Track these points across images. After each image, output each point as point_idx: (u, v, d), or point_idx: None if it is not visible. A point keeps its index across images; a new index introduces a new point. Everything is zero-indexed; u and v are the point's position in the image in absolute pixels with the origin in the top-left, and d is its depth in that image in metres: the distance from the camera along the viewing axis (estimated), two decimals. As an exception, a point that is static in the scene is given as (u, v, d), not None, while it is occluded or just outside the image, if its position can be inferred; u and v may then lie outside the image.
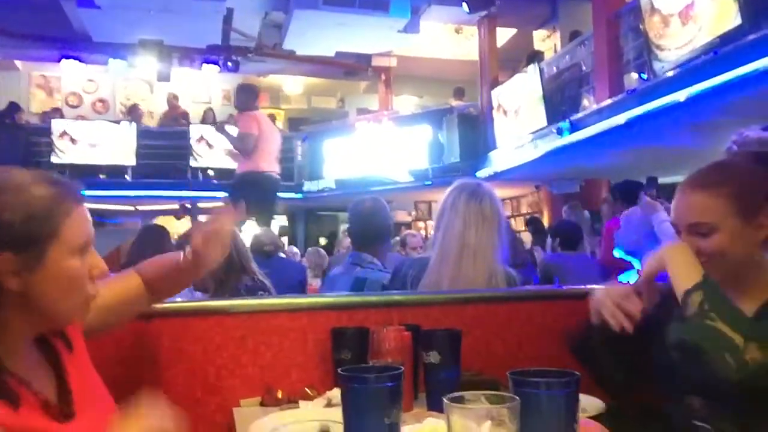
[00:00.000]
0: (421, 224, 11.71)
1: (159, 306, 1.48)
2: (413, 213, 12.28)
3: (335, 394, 1.35)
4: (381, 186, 10.14)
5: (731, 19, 5.18)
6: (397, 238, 5.63)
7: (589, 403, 1.24)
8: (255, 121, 5.81)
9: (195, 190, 10.43)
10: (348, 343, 1.51)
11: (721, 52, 5.24)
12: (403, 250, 5.58)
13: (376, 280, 2.47)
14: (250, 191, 5.51)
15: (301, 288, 4.29)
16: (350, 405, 0.97)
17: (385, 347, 1.41)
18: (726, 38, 5.23)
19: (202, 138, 10.67)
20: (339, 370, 0.99)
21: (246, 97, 6.05)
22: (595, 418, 1.16)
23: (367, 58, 12.22)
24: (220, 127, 6.53)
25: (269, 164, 5.99)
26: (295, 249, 8.55)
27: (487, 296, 1.84)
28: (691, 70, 5.61)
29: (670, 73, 5.92)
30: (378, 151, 10.79)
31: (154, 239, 3.78)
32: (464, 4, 9.06)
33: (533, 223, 8.40)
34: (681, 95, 5.65)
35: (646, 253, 2.21)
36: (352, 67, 12.63)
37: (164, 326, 1.57)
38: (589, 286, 2.02)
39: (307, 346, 1.63)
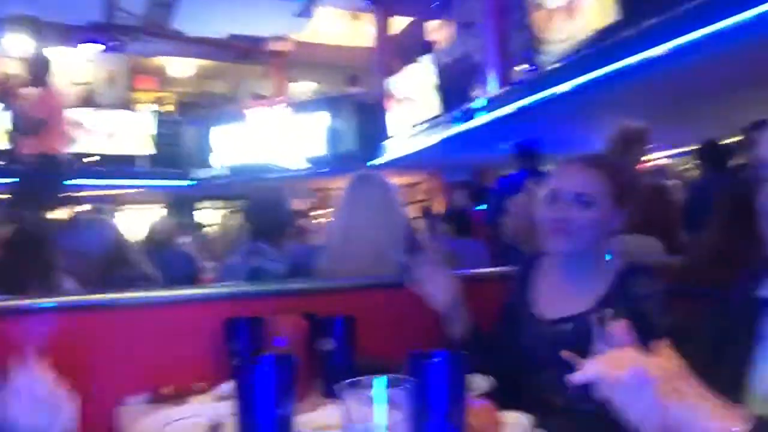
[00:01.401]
0: (317, 212, 11.66)
1: (29, 302, 1.37)
2: (309, 201, 12.20)
3: (228, 387, 1.31)
4: (276, 173, 9.99)
5: (610, 14, 5.51)
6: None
7: (480, 382, 1.28)
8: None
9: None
10: (242, 333, 1.47)
11: (602, 46, 5.57)
12: (300, 239, 5.53)
13: (274, 271, 2.43)
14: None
15: (193, 279, 4.15)
16: (243, 397, 0.94)
17: (279, 336, 1.39)
18: (606, 33, 5.56)
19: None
20: (233, 361, 0.96)
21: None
22: (484, 395, 1.20)
23: (262, 41, 11.96)
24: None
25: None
26: (185, 238, 8.23)
27: (380, 283, 1.85)
28: (573, 63, 5.92)
29: (554, 66, 6.22)
30: (273, 137, 10.61)
31: None
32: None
33: (425, 211, 8.60)
34: (565, 87, 5.95)
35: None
36: (246, 50, 12.31)
37: (40, 324, 1.45)
38: (480, 270, 2.10)
39: (199, 339, 1.57)
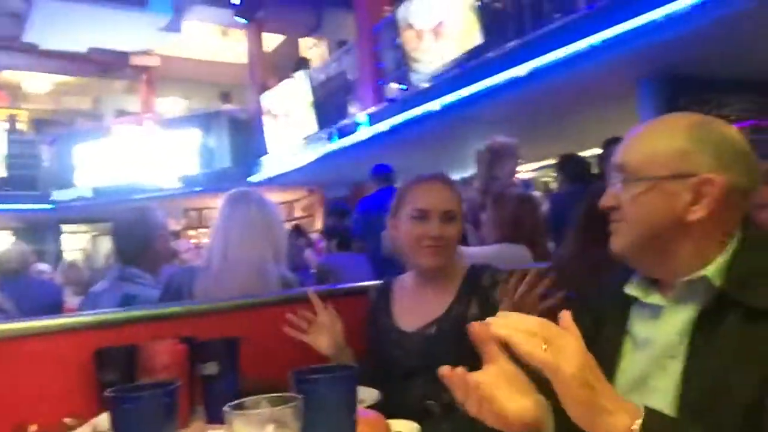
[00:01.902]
0: (192, 232, 11.24)
1: None
2: (183, 221, 11.74)
3: (102, 419, 1.22)
4: (146, 193, 9.52)
5: (475, 37, 5.82)
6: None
7: (367, 394, 1.29)
8: None
9: None
10: (114, 363, 1.38)
11: (467, 66, 5.85)
12: (175, 260, 5.30)
13: (148, 297, 2.28)
14: None
15: (57, 309, 3.83)
16: (120, 428, 0.88)
17: (156, 363, 1.32)
18: (471, 54, 5.86)
19: None
20: (105, 392, 0.90)
21: None
22: (371, 407, 1.21)
23: (125, 56, 11.40)
24: None
25: None
26: (42, 266, 7.58)
27: (264, 301, 1.82)
28: (442, 83, 6.17)
29: (425, 85, 6.46)
30: (141, 155, 10.11)
31: None
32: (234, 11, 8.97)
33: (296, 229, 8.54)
34: (435, 105, 6.19)
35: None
36: (107, 64, 11.67)
37: None
38: (362, 284, 2.11)
39: (67, 371, 1.46)
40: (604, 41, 4.54)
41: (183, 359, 1.35)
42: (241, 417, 0.78)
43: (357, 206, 5.17)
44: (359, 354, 1.63)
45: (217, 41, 11.75)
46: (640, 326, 1.05)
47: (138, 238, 2.47)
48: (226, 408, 0.79)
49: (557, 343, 0.79)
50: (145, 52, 11.30)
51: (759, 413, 0.84)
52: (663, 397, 0.95)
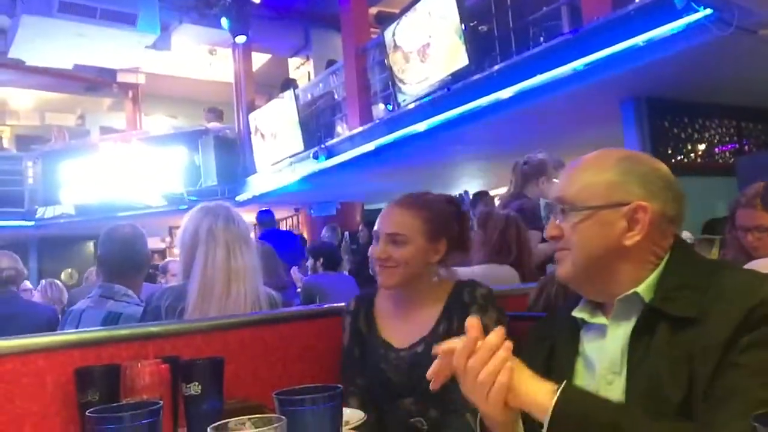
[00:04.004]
0: (176, 251, 11.14)
1: None
2: (168, 239, 11.65)
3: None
4: (131, 211, 9.45)
5: (461, 59, 5.88)
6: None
7: (351, 415, 1.29)
8: None
9: None
10: (95, 383, 1.36)
11: (453, 88, 5.91)
12: (164, 279, 5.25)
13: (133, 315, 2.26)
14: None
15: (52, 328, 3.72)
16: (101, 451, 0.87)
17: (139, 384, 1.31)
18: (457, 76, 5.92)
19: None
20: (86, 413, 0.89)
21: None
22: (357, 428, 1.21)
23: (112, 73, 11.37)
24: None
25: None
26: (28, 284, 7.49)
27: (249, 320, 1.80)
28: (428, 104, 6.23)
29: (411, 106, 6.51)
30: (126, 173, 10.05)
31: None
32: (223, 20, 9.01)
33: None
34: (421, 126, 6.24)
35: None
36: (93, 81, 11.64)
37: None
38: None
39: (46, 392, 1.44)
40: (587, 65, 4.62)
41: (166, 379, 1.34)
42: (224, 438, 0.78)
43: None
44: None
45: (204, 60, 11.77)
46: (588, 347, 1.12)
47: (126, 257, 2.45)
48: (209, 429, 0.79)
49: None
50: (132, 70, 11.29)
51: (689, 407, 0.93)
52: None
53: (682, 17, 3.99)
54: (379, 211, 1.76)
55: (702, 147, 5.65)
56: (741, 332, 0.91)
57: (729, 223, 2.24)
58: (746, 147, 5.86)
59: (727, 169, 5.30)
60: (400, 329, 1.61)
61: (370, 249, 1.65)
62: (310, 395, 0.90)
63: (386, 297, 1.69)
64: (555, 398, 0.91)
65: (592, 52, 4.56)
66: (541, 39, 5.30)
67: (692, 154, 5.56)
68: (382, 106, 7.45)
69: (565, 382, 0.94)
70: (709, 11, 3.83)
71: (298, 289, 4.84)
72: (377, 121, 7.10)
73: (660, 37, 4.15)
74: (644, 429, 0.91)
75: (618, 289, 1.06)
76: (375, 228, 1.64)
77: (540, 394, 0.93)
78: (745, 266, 1.38)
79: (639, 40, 4.26)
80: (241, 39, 9.50)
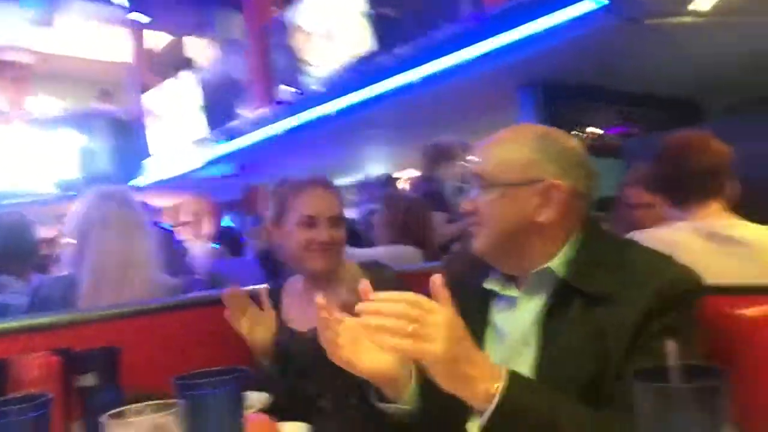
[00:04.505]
0: (67, 238, 10.52)
1: None
2: (59, 227, 10.98)
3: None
4: (15, 198, 8.82)
5: (366, 42, 5.88)
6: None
7: (257, 398, 1.27)
8: None
9: None
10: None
11: (359, 70, 5.91)
12: (56, 269, 4.94)
13: (21, 307, 2.12)
14: None
15: None
16: (-18, 449, 0.81)
17: (27, 378, 1.23)
18: (362, 59, 5.92)
19: None
20: (-35, 412, 0.83)
21: None
22: (263, 410, 1.20)
23: (-8, 50, 10.53)
24: None
25: None
26: None
27: (146, 309, 1.73)
28: (334, 86, 6.19)
29: (317, 88, 6.45)
30: (10, 158, 9.36)
31: None
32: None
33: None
34: (327, 108, 6.20)
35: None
36: (-29, 60, 10.73)
37: None
38: (251, 287, 2.08)
39: None
40: (488, 50, 4.75)
41: (56, 372, 1.27)
42: (119, 425, 0.75)
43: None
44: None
45: (96, 38, 11.10)
46: (499, 317, 1.15)
47: (11, 246, 2.30)
48: (102, 418, 0.76)
49: (426, 320, 0.88)
50: (15, 48, 10.49)
51: (599, 383, 0.96)
52: None
53: (575, 4, 4.18)
54: None
55: (594, 130, 5.96)
56: (652, 314, 0.95)
57: (618, 200, 2.38)
58: (632, 130, 6.24)
59: (616, 151, 5.64)
60: (306, 311, 1.60)
61: (300, 235, 1.59)
62: (209, 379, 0.89)
63: (296, 281, 1.68)
64: (499, 394, 0.88)
65: (492, 37, 4.70)
66: (444, 24, 5.38)
67: (584, 137, 5.87)
68: (287, 88, 7.34)
69: (509, 372, 0.91)
70: (604, 0, 4.02)
71: (198, 276, 4.70)
72: (282, 103, 6.98)
73: (557, 24, 4.32)
74: (581, 426, 0.90)
75: (531, 263, 1.09)
76: (308, 213, 1.59)
77: (480, 383, 0.89)
78: (627, 235, 1.47)
79: (537, 26, 4.43)
80: (135, 16, 9.05)
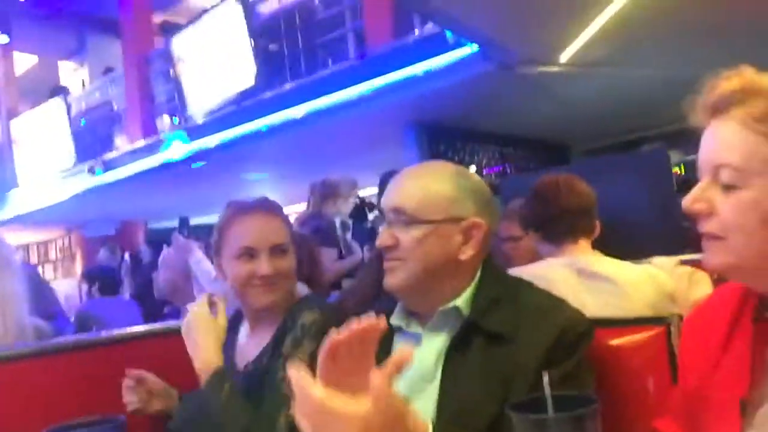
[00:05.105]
0: None
1: None
2: None
3: None
4: None
5: (250, 76, 5.86)
6: None
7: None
8: None
9: None
10: None
11: (243, 104, 5.86)
12: None
13: None
14: None
15: None
16: None
17: None
18: (247, 92, 5.88)
19: None
20: None
21: None
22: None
23: None
24: None
25: None
26: None
27: (13, 354, 1.60)
28: (218, 119, 6.09)
29: (200, 120, 6.31)
30: None
31: None
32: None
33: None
34: (211, 141, 6.08)
35: (186, 293, 2.27)
36: None
37: None
38: (128, 330, 1.97)
39: None
40: (372, 90, 4.90)
41: None
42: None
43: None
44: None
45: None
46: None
47: None
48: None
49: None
50: None
51: (500, 425, 0.94)
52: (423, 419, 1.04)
53: (453, 50, 4.42)
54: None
55: (473, 169, 6.27)
56: (552, 359, 0.96)
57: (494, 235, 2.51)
58: (508, 169, 6.63)
59: (493, 188, 5.95)
60: (244, 350, 1.47)
61: (239, 268, 1.39)
62: (83, 429, 0.84)
63: (241, 318, 1.54)
64: None
65: (375, 77, 4.85)
66: (330, 62, 5.50)
67: (465, 176, 6.15)
68: (167, 119, 7.11)
69: None
70: (476, 47, 4.29)
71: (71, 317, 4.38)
72: (163, 134, 6.76)
73: (436, 68, 4.55)
74: None
75: (440, 301, 1.09)
76: (246, 244, 1.39)
77: None
78: (510, 270, 1.52)
79: (418, 69, 4.63)
80: (1, 39, 8.47)
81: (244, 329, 1.51)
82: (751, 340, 0.78)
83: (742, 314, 0.81)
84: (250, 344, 1.47)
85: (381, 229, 1.16)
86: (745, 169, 0.73)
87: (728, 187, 0.74)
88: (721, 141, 0.75)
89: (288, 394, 1.25)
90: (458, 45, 4.39)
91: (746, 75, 0.76)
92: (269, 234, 1.41)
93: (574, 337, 1.01)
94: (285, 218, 1.47)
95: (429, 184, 1.12)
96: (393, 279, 1.11)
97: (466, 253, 1.09)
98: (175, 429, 1.37)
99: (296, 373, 0.73)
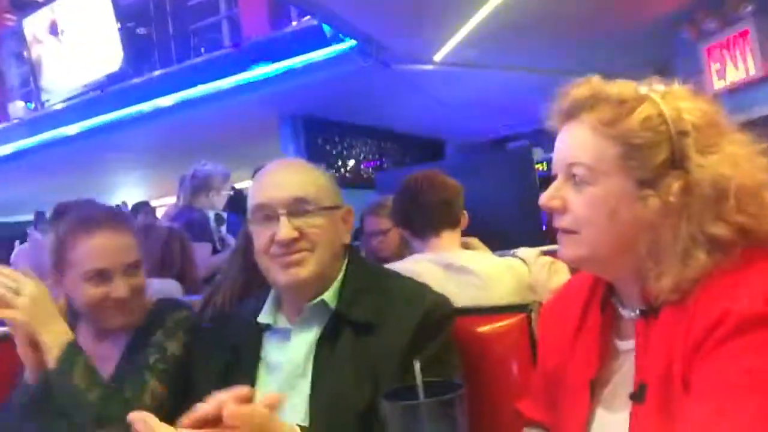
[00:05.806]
0: None
1: None
2: None
3: None
4: None
5: (116, 60, 5.51)
6: None
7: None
8: None
9: None
10: None
11: (108, 90, 5.51)
12: None
13: None
14: None
15: None
16: None
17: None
18: (112, 78, 5.53)
19: None
20: None
21: None
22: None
23: None
24: None
25: None
26: None
27: None
28: (79, 105, 5.67)
29: (59, 106, 5.85)
30: None
31: None
32: None
33: None
34: (72, 129, 5.65)
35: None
36: None
37: None
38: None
39: None
40: (248, 80, 4.78)
41: None
42: None
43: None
44: None
45: None
46: (272, 351, 1.12)
47: None
48: None
49: None
50: None
51: (371, 416, 0.95)
52: (296, 414, 1.02)
53: (331, 45, 4.42)
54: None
55: (351, 163, 6.31)
56: (417, 342, 0.99)
57: (359, 229, 2.52)
58: (385, 164, 6.75)
59: (371, 182, 6.03)
60: (88, 349, 1.32)
61: (90, 291, 1.26)
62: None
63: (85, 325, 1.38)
64: None
65: (251, 68, 4.74)
66: (202, 50, 5.30)
67: (342, 169, 6.18)
68: (21, 104, 6.53)
69: None
70: (353, 42, 4.31)
71: None
72: (16, 120, 6.20)
73: (314, 61, 4.52)
74: None
75: (308, 292, 1.08)
76: (97, 266, 1.26)
77: None
78: (388, 265, 1.54)
79: (295, 62, 4.58)
80: None
81: (81, 332, 1.37)
82: (599, 327, 0.84)
83: (591, 303, 0.88)
84: (100, 347, 1.34)
85: (280, 223, 1.10)
86: (595, 168, 0.78)
87: (580, 185, 0.80)
88: (574, 142, 0.81)
89: (158, 364, 1.22)
90: (336, 40, 4.40)
91: (594, 83, 0.81)
92: (121, 253, 1.28)
93: (439, 317, 1.05)
94: (134, 230, 1.37)
95: (316, 175, 1.13)
96: (303, 271, 1.08)
97: (347, 238, 1.13)
98: (31, 403, 1.23)
99: (141, 420, 0.70)
